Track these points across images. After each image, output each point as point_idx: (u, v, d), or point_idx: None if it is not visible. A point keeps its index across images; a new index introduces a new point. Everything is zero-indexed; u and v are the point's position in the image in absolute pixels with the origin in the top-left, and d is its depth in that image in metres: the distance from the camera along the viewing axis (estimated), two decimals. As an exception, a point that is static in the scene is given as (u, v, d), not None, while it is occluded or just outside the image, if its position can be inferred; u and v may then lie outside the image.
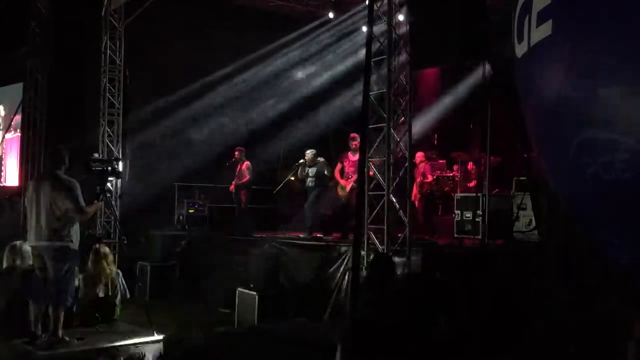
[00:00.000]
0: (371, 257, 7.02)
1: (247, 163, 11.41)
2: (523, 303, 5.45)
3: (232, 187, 11.51)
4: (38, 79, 12.36)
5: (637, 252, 3.50)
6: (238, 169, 11.45)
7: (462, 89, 10.98)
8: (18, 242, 7.14)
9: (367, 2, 5.57)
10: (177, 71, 12.11)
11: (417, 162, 10.52)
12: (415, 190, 10.30)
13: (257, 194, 12.06)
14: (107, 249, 7.86)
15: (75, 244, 6.26)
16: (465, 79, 10.64)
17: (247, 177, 11.34)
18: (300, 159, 10.39)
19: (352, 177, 9.54)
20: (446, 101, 11.61)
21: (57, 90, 12.06)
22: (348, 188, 9.58)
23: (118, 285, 7.71)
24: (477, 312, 4.86)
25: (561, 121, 3.92)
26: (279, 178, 11.67)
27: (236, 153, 11.48)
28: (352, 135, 9.67)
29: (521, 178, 8.15)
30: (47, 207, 6.12)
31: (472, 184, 9.65)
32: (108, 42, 11.36)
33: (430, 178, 10.39)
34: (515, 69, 4.81)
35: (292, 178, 11.00)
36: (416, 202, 10.27)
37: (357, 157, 9.52)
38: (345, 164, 9.81)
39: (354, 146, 9.61)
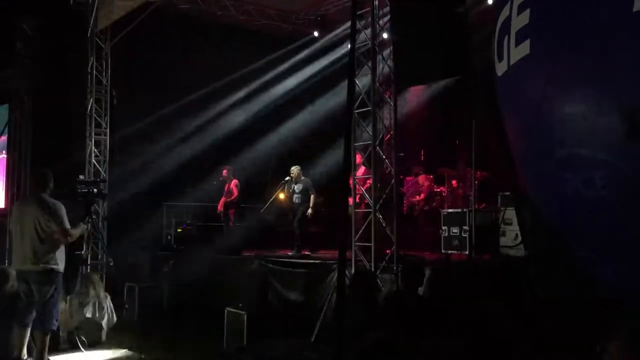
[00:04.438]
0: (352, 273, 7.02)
1: (235, 181, 11.41)
2: (510, 320, 5.46)
3: (220, 207, 11.48)
4: (24, 100, 12.32)
5: (616, 268, 3.53)
6: (226, 187, 11.44)
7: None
8: (3, 266, 7.09)
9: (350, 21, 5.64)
10: (164, 90, 12.11)
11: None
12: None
13: (245, 212, 12.04)
14: (96, 275, 7.84)
15: (60, 266, 6.22)
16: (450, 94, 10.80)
17: (236, 194, 11.32)
18: (286, 176, 10.41)
19: None
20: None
21: (43, 111, 12.01)
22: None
23: (105, 308, 7.67)
24: (463, 331, 4.86)
25: (541, 138, 3.97)
26: (267, 195, 11.66)
27: (224, 172, 11.47)
28: None
29: (506, 193, 8.20)
30: (32, 230, 6.09)
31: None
32: (94, 62, 11.38)
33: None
34: (496, 87, 4.88)
35: (281, 196, 11.00)
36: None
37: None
38: None
39: None
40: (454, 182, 10.25)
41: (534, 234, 6.58)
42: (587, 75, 3.51)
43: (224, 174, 11.44)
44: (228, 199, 11.38)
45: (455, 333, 4.68)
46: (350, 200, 9.36)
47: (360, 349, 2.20)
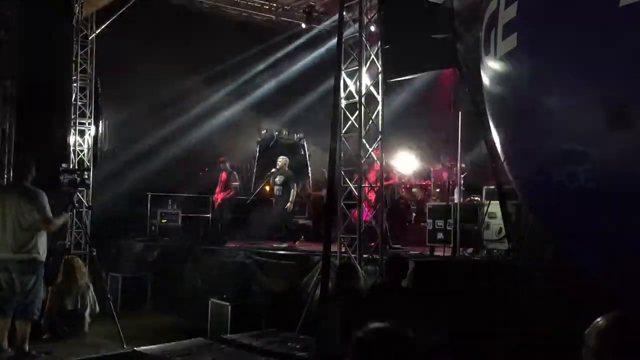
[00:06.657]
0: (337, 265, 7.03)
1: (233, 173, 11.25)
2: (494, 311, 5.49)
3: (216, 196, 11.32)
4: (7, 88, 12.14)
5: (602, 260, 3.56)
6: (222, 177, 11.27)
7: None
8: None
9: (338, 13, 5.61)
10: (148, 80, 12.03)
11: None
12: None
13: (231, 202, 11.99)
14: (80, 262, 7.75)
15: (42, 255, 6.15)
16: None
17: (234, 189, 11.19)
18: (272, 168, 10.38)
19: None
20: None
21: (26, 99, 11.85)
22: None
23: (88, 298, 7.60)
24: (446, 322, 4.88)
25: (526, 132, 3.98)
26: (253, 187, 11.63)
27: (220, 165, 11.32)
28: None
29: (491, 187, 8.23)
30: (13, 219, 6.01)
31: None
32: (79, 50, 11.25)
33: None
34: (483, 80, 4.88)
35: (267, 187, 10.98)
36: None
37: None
38: None
39: None
40: (442, 175, 10.28)
41: (518, 227, 6.63)
42: (573, 69, 3.52)
43: (220, 162, 11.27)
44: (226, 189, 11.17)
45: (439, 325, 4.70)
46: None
47: (358, 339, 2.17)
